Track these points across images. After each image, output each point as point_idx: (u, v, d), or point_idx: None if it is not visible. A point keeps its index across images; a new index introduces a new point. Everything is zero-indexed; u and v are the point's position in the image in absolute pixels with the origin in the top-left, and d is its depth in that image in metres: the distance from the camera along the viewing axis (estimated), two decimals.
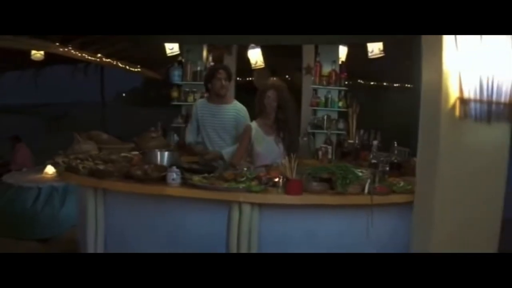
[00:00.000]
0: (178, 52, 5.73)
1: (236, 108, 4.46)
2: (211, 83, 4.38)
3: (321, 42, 5.70)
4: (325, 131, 5.56)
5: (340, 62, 5.89)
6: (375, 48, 5.45)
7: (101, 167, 3.48)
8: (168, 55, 5.65)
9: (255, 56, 6.21)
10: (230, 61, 6.79)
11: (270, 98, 3.98)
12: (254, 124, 4.09)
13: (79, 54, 6.03)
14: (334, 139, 5.44)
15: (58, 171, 3.78)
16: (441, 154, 1.65)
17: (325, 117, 5.64)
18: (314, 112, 5.93)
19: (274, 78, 4.78)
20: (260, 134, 4.04)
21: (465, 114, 1.53)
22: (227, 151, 4.24)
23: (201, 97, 5.42)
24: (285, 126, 4.05)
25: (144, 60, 8.40)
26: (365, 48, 5.43)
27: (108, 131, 6.21)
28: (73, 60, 7.27)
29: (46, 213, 6.06)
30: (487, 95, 1.40)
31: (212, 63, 5.97)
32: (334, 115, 5.77)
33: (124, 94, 43.95)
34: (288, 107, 4.06)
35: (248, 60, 6.39)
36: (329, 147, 5.10)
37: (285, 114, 4.03)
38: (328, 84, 5.72)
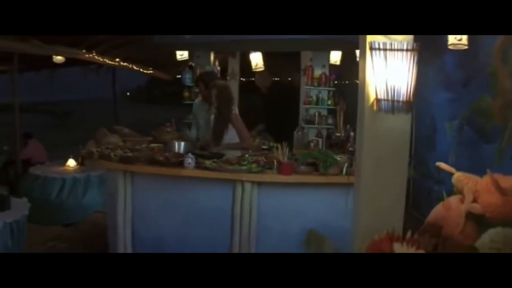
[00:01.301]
0: (187, 58, 6.42)
1: None
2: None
3: (315, 49, 6.37)
4: (316, 125, 6.31)
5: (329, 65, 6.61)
6: None
7: (129, 154, 4.24)
8: (178, 59, 6.32)
9: (256, 59, 6.66)
10: (234, 64, 7.45)
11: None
12: None
13: (101, 59, 6.75)
14: (324, 132, 6.18)
15: (93, 158, 4.49)
16: (364, 138, 2.34)
17: (316, 114, 6.38)
18: (307, 109, 6.67)
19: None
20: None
21: (379, 109, 2.25)
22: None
23: None
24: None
25: (155, 62, 8.97)
26: (354, 53, 6.15)
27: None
28: (86, 61, 7.92)
29: (70, 201, 6.56)
30: (391, 96, 2.16)
31: (218, 68, 6.68)
32: (324, 112, 6.52)
33: (128, 93, 44.24)
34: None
35: (250, 62, 6.80)
36: (320, 140, 5.84)
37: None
38: (319, 85, 6.46)
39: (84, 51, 6.12)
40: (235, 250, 3.99)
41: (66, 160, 7.16)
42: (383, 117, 2.27)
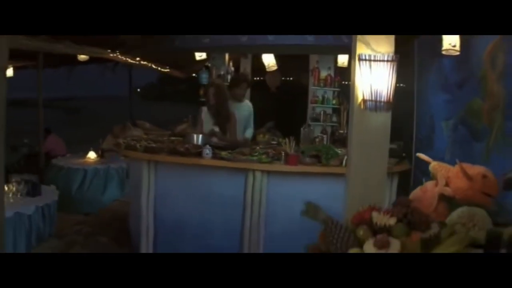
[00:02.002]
0: (206, 58, 6.93)
1: (248, 105, 5.77)
2: (234, 90, 5.64)
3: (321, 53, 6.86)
4: (321, 123, 6.81)
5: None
6: None
7: (153, 145, 4.75)
8: (197, 59, 6.82)
9: (268, 59, 7.01)
10: (246, 64, 7.92)
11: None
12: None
13: (124, 59, 7.26)
14: (328, 129, 6.68)
15: (120, 149, 5.00)
16: (353, 132, 2.83)
17: (322, 112, 6.89)
18: (313, 108, 7.17)
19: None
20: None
21: (365, 107, 2.74)
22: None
23: None
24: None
25: (172, 61, 9.42)
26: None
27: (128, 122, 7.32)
28: (104, 59, 8.36)
29: (91, 191, 7.01)
30: (375, 97, 2.67)
31: (232, 68, 7.18)
32: (329, 111, 7.02)
33: (139, 90, 44.54)
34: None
35: (261, 62, 7.14)
36: (324, 136, 6.33)
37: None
38: (325, 86, 6.96)
39: (109, 50, 6.62)
40: (246, 231, 4.49)
41: (87, 153, 7.61)
42: (369, 115, 2.77)
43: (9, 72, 9.60)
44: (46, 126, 9.13)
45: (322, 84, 6.96)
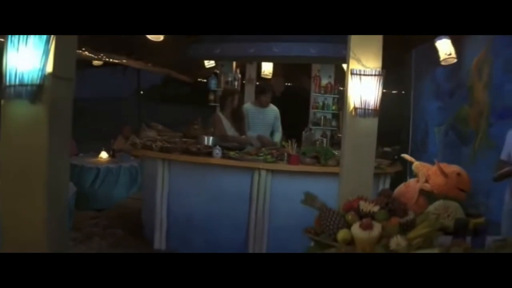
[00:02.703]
0: (214, 65, 7.40)
1: (274, 109, 6.23)
2: (260, 97, 6.09)
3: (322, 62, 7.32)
4: (321, 127, 7.28)
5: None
6: None
7: (167, 145, 5.20)
8: (207, 66, 7.28)
9: (265, 67, 7.64)
10: (251, 70, 8.33)
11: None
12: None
13: (139, 64, 7.74)
14: (328, 133, 7.14)
15: (136, 148, 5.45)
16: (346, 135, 3.33)
17: (322, 117, 7.36)
18: (314, 113, 7.64)
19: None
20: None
21: (356, 114, 3.24)
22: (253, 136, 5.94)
23: None
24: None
25: (181, 66, 9.87)
26: None
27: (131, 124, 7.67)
28: (113, 63, 8.79)
29: (103, 188, 7.32)
30: (364, 105, 3.16)
31: (239, 75, 7.65)
32: (329, 116, 7.48)
33: (142, 92, 44.79)
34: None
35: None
36: (324, 139, 6.80)
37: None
38: (325, 92, 7.42)
39: (125, 56, 7.09)
40: (252, 224, 4.93)
41: (99, 152, 7.99)
42: (359, 120, 3.25)
43: None
44: None
45: (322, 91, 7.43)
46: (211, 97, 7.65)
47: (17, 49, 2.36)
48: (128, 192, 7.64)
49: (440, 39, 5.75)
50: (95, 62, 8.71)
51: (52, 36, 2.42)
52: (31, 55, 2.41)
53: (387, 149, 5.59)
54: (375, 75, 3.15)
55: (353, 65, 3.16)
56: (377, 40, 3.15)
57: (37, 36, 2.39)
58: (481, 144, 5.38)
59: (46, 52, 2.43)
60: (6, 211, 2.77)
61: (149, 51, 6.71)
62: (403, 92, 9.80)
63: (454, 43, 6.07)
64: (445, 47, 5.55)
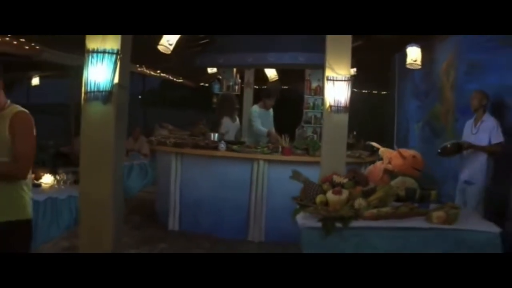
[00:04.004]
0: (216, 71, 8.28)
1: (271, 112, 7.10)
2: (266, 100, 6.95)
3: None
4: (312, 125, 8.17)
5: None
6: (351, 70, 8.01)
7: (179, 141, 6.10)
8: (210, 72, 8.15)
9: (270, 72, 8.41)
10: (249, 75, 9.24)
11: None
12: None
13: (148, 72, 8.61)
14: (318, 130, 7.99)
15: (152, 145, 6.35)
16: (324, 129, 4.34)
17: (313, 116, 8.25)
18: (306, 113, 8.55)
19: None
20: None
21: (331, 111, 4.16)
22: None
23: None
24: None
25: (184, 72, 10.72)
26: None
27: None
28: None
29: None
30: (337, 104, 4.05)
31: (239, 80, 8.56)
32: (319, 115, 8.34)
33: (140, 96, 45.38)
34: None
35: (262, 73, 8.57)
36: (315, 135, 7.67)
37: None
38: (315, 94, 8.30)
39: (137, 65, 7.98)
40: (252, 206, 5.79)
41: None
42: (333, 116, 4.17)
43: (35, 80, 10.76)
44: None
45: (313, 93, 8.32)
46: (215, 100, 8.54)
47: (95, 66, 3.34)
48: (139, 185, 8.43)
49: (411, 46, 6.58)
50: None
51: (118, 55, 3.38)
52: (104, 70, 3.38)
53: (369, 143, 6.44)
54: (344, 80, 4.07)
55: (329, 72, 4.08)
56: (346, 53, 4.07)
57: (108, 56, 3.37)
58: (449, 137, 6.23)
59: (114, 68, 3.41)
60: (83, 190, 3.77)
61: (158, 59, 7.55)
62: (388, 92, 10.63)
63: (428, 49, 6.95)
64: (413, 54, 6.35)
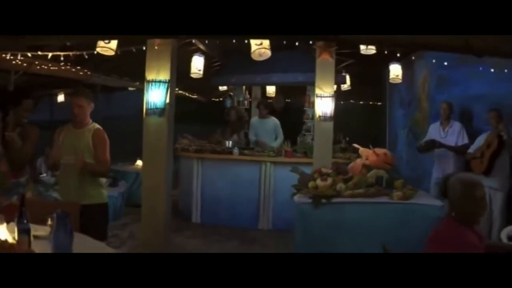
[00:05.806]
0: (227, 89, 9.53)
1: (273, 120, 8.10)
2: (259, 111, 8.06)
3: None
4: (311, 133, 9.28)
5: None
6: (345, 86, 9.26)
7: (200, 148, 7.34)
8: (220, 90, 9.42)
9: (270, 88, 9.79)
10: (257, 90, 10.32)
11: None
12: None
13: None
14: None
15: (177, 152, 7.58)
16: (315, 135, 5.57)
17: (312, 126, 9.37)
18: (306, 123, 9.76)
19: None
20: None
21: (320, 120, 5.38)
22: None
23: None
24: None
25: (197, 88, 11.92)
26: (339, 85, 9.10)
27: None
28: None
29: (141, 189, 8.91)
30: (324, 115, 5.27)
31: (248, 95, 9.81)
32: None
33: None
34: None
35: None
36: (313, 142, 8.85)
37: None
38: (313, 107, 9.40)
39: (138, 83, 9.23)
40: (261, 200, 6.98)
41: (135, 161, 9.60)
42: (321, 123, 5.43)
43: (61, 97, 11.78)
44: None
45: (312, 106, 9.40)
46: (227, 112, 9.77)
47: (152, 90, 4.70)
48: None
49: (393, 63, 7.64)
50: (130, 87, 10.87)
51: (168, 83, 4.80)
52: (159, 93, 4.81)
53: (353, 144, 7.57)
54: (329, 96, 5.35)
55: (317, 90, 5.38)
56: (331, 75, 5.36)
57: (162, 84, 4.80)
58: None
59: (166, 91, 4.86)
60: (145, 185, 5.26)
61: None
62: (381, 103, 11.85)
63: (408, 66, 8.08)
64: (395, 70, 7.43)
